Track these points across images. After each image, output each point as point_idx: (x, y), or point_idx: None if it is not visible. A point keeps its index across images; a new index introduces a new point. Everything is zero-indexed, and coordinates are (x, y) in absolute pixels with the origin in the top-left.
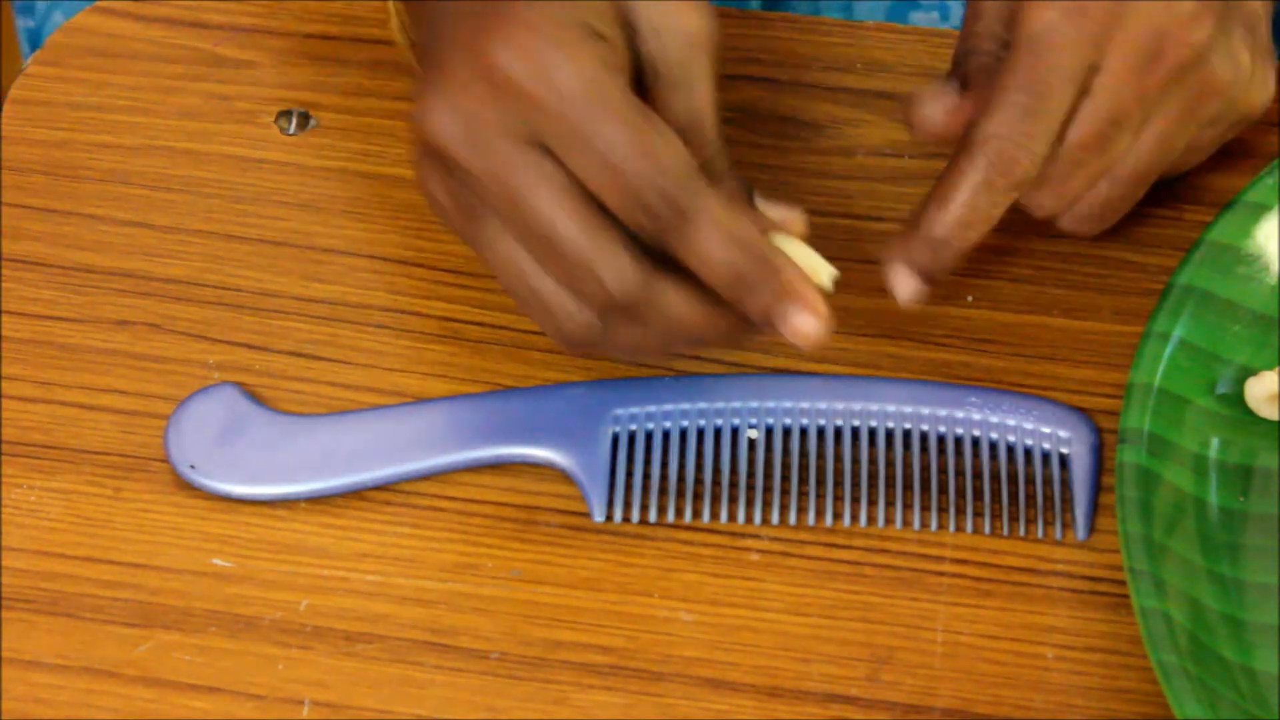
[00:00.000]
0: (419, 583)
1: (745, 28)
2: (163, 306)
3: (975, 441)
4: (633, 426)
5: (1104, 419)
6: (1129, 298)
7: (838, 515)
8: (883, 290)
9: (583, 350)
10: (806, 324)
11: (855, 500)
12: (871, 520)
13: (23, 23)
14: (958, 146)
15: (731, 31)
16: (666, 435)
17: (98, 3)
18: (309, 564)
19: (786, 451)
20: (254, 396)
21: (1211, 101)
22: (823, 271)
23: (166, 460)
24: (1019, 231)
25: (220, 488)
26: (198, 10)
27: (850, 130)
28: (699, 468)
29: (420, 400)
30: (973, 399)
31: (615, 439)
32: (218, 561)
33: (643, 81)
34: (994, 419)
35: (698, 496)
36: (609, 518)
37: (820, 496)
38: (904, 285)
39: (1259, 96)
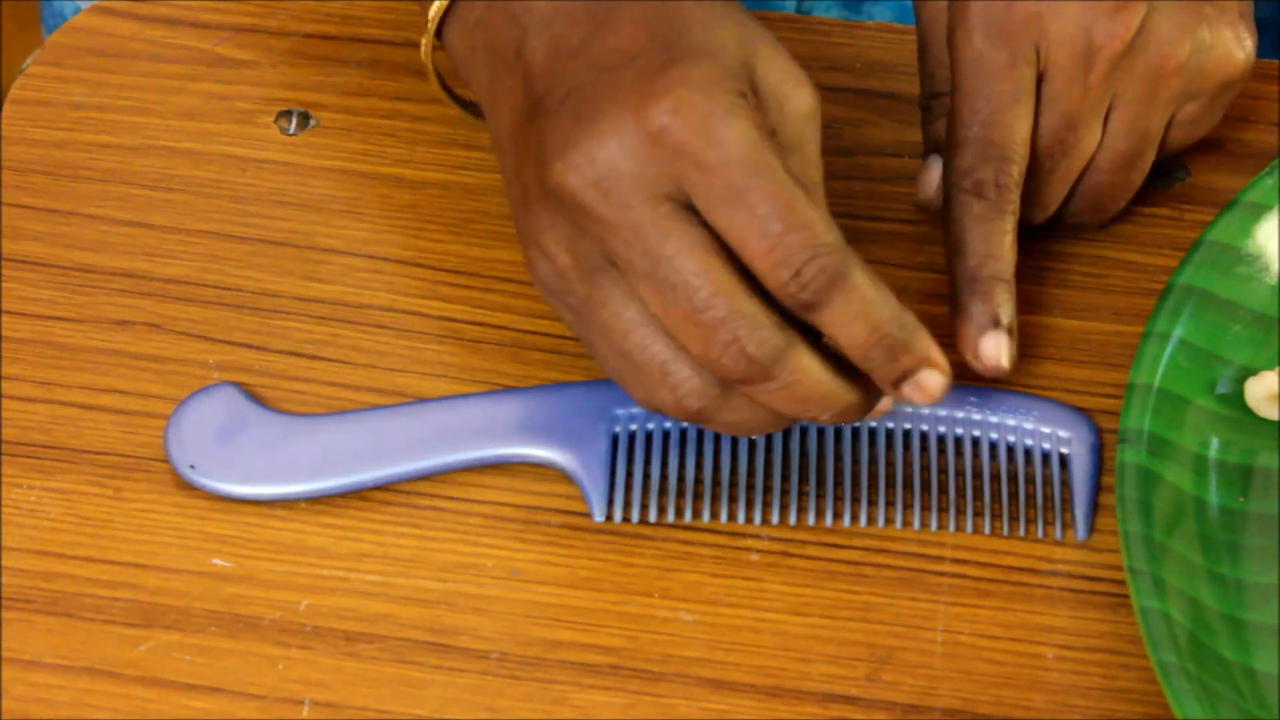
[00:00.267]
0: (419, 583)
1: None
2: (163, 306)
3: (975, 441)
4: (633, 426)
5: (1104, 419)
6: (1129, 298)
7: (838, 515)
8: None
9: (692, 419)
10: (936, 383)
11: (855, 500)
12: (871, 520)
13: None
14: (945, 196)
15: None
16: (666, 435)
17: (98, 3)
18: (309, 564)
19: (786, 451)
20: (254, 396)
21: (1172, 80)
22: None
23: (166, 460)
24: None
25: (220, 488)
26: (198, 10)
27: (850, 130)
28: (699, 468)
29: (420, 400)
30: (972, 399)
31: (615, 439)
32: (218, 561)
33: None
34: (994, 419)
35: (698, 496)
36: (609, 518)
37: (820, 496)
38: (989, 348)
39: (1233, 60)
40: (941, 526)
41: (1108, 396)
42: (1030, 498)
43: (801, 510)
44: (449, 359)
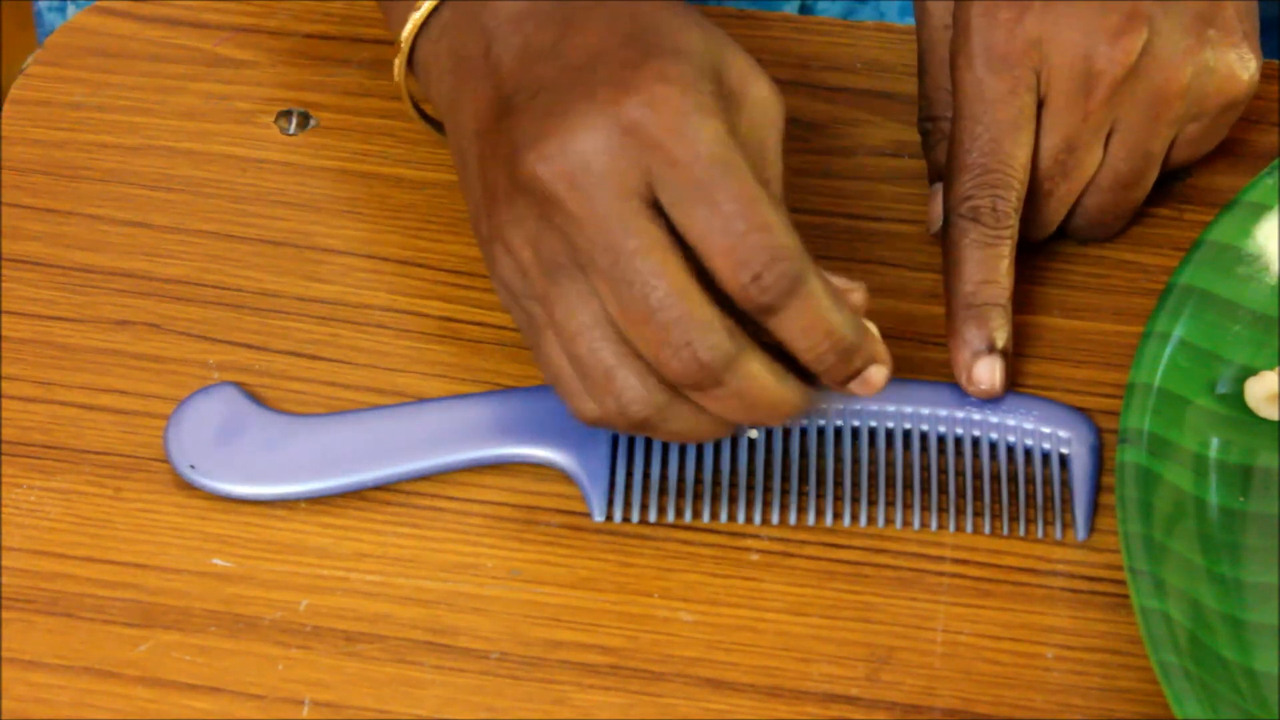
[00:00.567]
0: (419, 583)
1: (745, 28)
2: (163, 306)
3: (975, 441)
4: None
5: (1104, 419)
6: (1129, 298)
7: (838, 515)
8: (883, 291)
9: (635, 428)
10: (881, 376)
11: (855, 500)
12: (871, 520)
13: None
14: (944, 220)
15: (733, 32)
16: None
17: (98, 3)
18: (309, 564)
19: (786, 451)
20: (254, 396)
21: (1174, 102)
22: None
23: (166, 460)
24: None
25: (220, 488)
26: (198, 10)
27: (850, 130)
28: (699, 468)
29: (420, 400)
30: (972, 399)
31: (615, 439)
32: (218, 561)
33: None
34: (994, 419)
35: (698, 496)
36: (609, 518)
37: (820, 496)
38: (983, 373)
39: (1236, 81)
40: (941, 526)
41: (1108, 396)
42: (1030, 498)
43: (801, 510)
44: (449, 359)
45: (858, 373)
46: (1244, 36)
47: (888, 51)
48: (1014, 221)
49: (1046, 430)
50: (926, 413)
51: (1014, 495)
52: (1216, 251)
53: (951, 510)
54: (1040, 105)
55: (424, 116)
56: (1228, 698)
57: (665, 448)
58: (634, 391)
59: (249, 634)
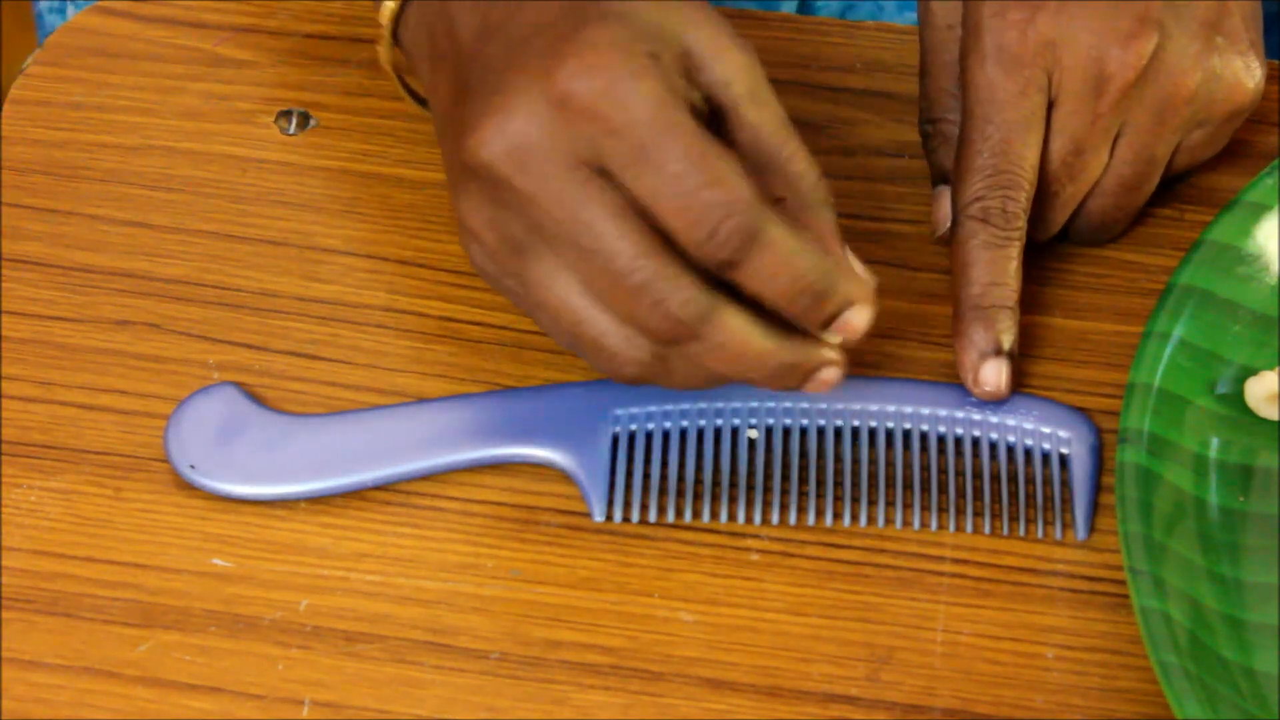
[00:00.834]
0: (419, 583)
1: (745, 28)
2: (163, 306)
3: (975, 441)
4: (633, 426)
5: (1104, 419)
6: (1129, 298)
7: (838, 515)
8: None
9: (640, 382)
10: (862, 319)
11: (855, 500)
12: (871, 520)
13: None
14: (953, 220)
15: None
16: (666, 435)
17: (98, 3)
18: (309, 564)
19: (786, 451)
20: (254, 396)
21: (1181, 108)
22: None
23: (166, 460)
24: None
25: (220, 488)
26: (198, 10)
27: (850, 130)
28: (699, 468)
29: (420, 400)
30: (972, 399)
31: (615, 439)
32: (218, 561)
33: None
34: (994, 419)
35: (698, 496)
36: (609, 518)
37: (820, 496)
38: (989, 374)
39: (1242, 88)
40: (941, 526)
41: (1108, 396)
42: (1030, 498)
43: (801, 510)
44: (449, 359)
45: (836, 315)
46: (1250, 44)
47: (888, 51)
48: (1023, 223)
49: (1047, 430)
50: (926, 413)
51: (1014, 495)
52: (1216, 251)
53: (951, 510)
54: (1049, 107)
55: (412, 95)
56: (1228, 698)
57: (665, 448)
58: (625, 354)
59: (249, 634)
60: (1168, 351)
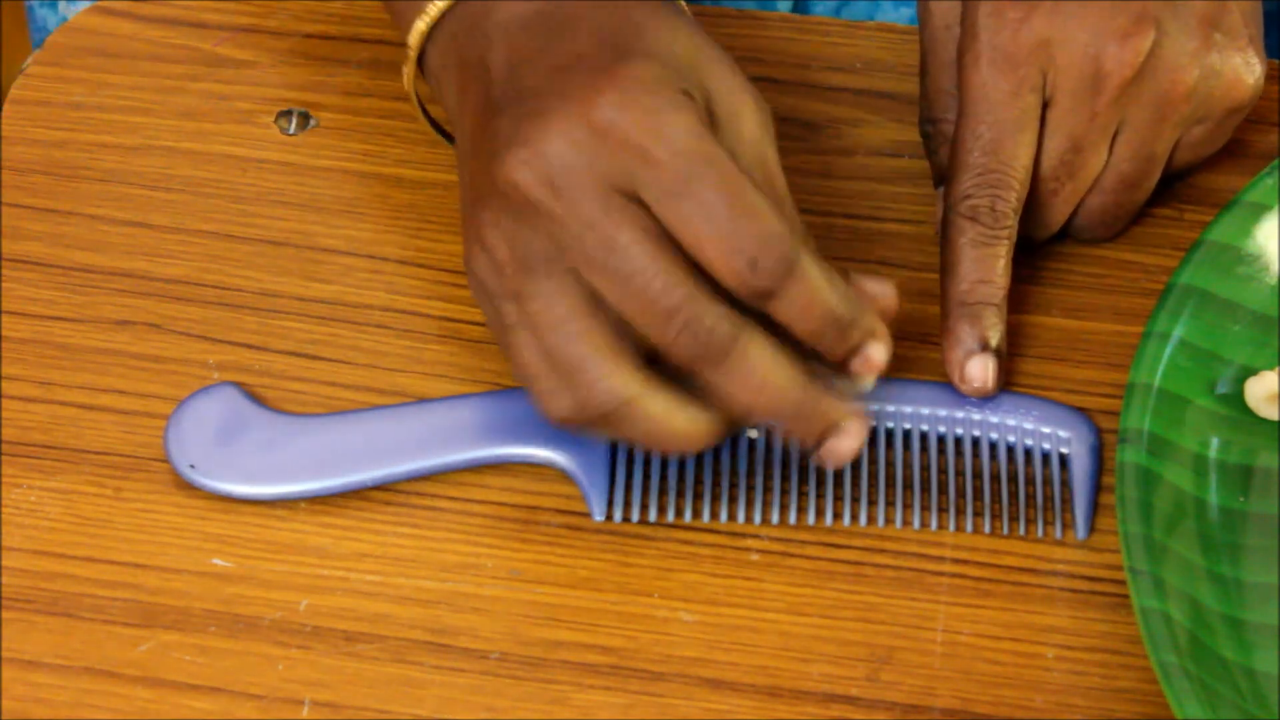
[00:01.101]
0: (419, 583)
1: (745, 28)
2: (163, 306)
3: (975, 441)
4: None
5: (1104, 419)
6: (1129, 298)
7: (838, 515)
8: None
9: (599, 423)
10: (880, 354)
11: (855, 500)
12: (871, 520)
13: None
14: (942, 217)
15: (731, 31)
16: None
17: (98, 3)
18: (309, 564)
19: (786, 452)
20: (254, 396)
21: (1180, 105)
22: None
23: (166, 460)
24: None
25: (220, 488)
26: (197, 10)
27: (850, 130)
28: (699, 468)
29: (420, 400)
30: (972, 399)
31: (615, 439)
32: (218, 561)
33: None
34: (994, 419)
35: (698, 496)
36: (609, 517)
37: (820, 496)
38: (975, 371)
39: (1241, 85)
40: (941, 526)
41: (1108, 396)
42: (1030, 498)
43: (801, 510)
44: (449, 359)
45: (857, 348)
46: (1250, 41)
47: (887, 51)
48: (1012, 222)
49: (1046, 430)
50: (926, 413)
51: (1014, 495)
52: (1216, 251)
53: (951, 510)
54: (1046, 105)
55: (431, 123)
56: (1228, 698)
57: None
58: (605, 381)
59: (249, 634)
60: (1168, 351)
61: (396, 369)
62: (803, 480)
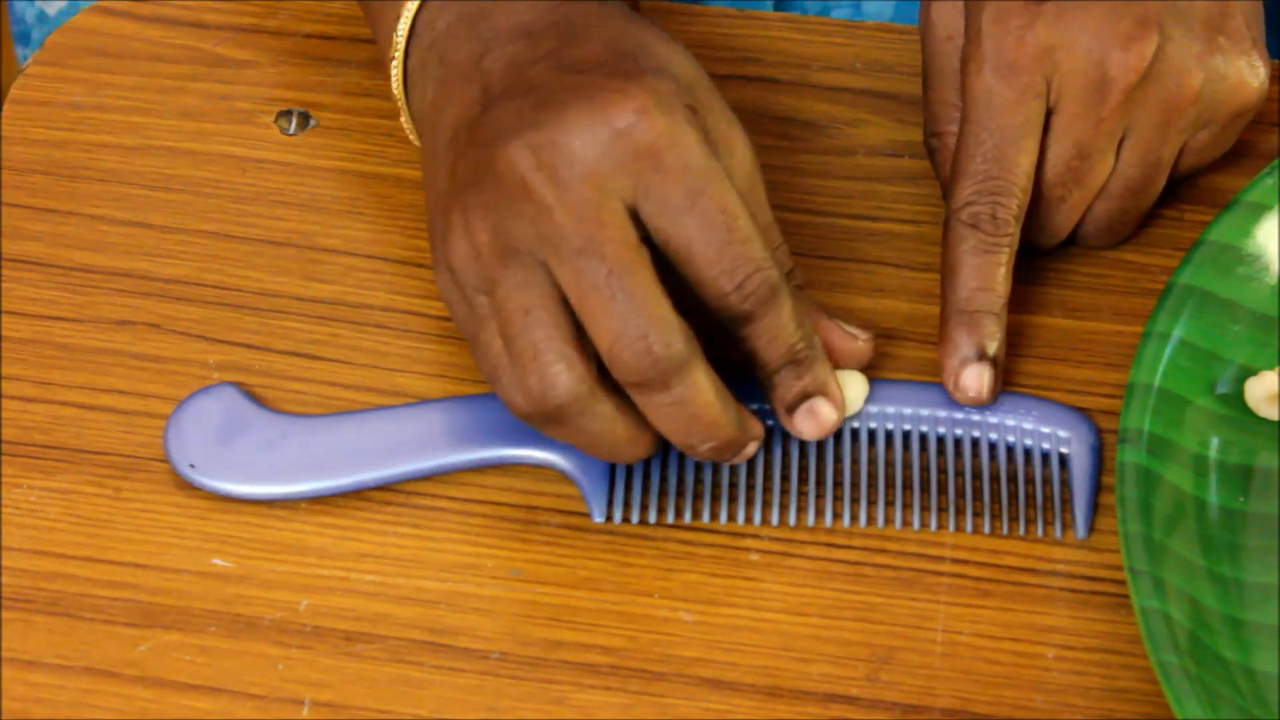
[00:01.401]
0: (419, 583)
1: (745, 28)
2: (163, 306)
3: (975, 441)
4: None
5: (1104, 419)
6: (1129, 298)
7: (838, 515)
8: (883, 291)
9: (549, 418)
10: (829, 414)
11: (855, 500)
12: (871, 520)
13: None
14: (944, 224)
15: (731, 31)
16: None
17: (97, 3)
18: (309, 564)
19: (786, 451)
20: (254, 396)
21: (1186, 109)
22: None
23: (166, 460)
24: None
25: (220, 487)
26: (197, 10)
27: (850, 130)
28: (699, 468)
29: (420, 400)
30: None
31: None
32: (218, 561)
33: None
34: (993, 419)
35: (698, 496)
36: (609, 518)
37: (820, 496)
38: (970, 379)
39: (1246, 88)
40: (941, 526)
41: (1108, 396)
42: (1030, 498)
43: (801, 510)
44: (449, 359)
45: (806, 395)
46: (1253, 43)
47: (887, 51)
48: (1014, 230)
49: (1046, 430)
50: (926, 413)
51: (1014, 495)
52: (1216, 251)
53: (951, 510)
54: (1051, 113)
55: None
56: (1228, 698)
57: (665, 448)
58: (558, 375)
59: (249, 634)
60: (1168, 351)
61: (396, 369)
62: (803, 480)
